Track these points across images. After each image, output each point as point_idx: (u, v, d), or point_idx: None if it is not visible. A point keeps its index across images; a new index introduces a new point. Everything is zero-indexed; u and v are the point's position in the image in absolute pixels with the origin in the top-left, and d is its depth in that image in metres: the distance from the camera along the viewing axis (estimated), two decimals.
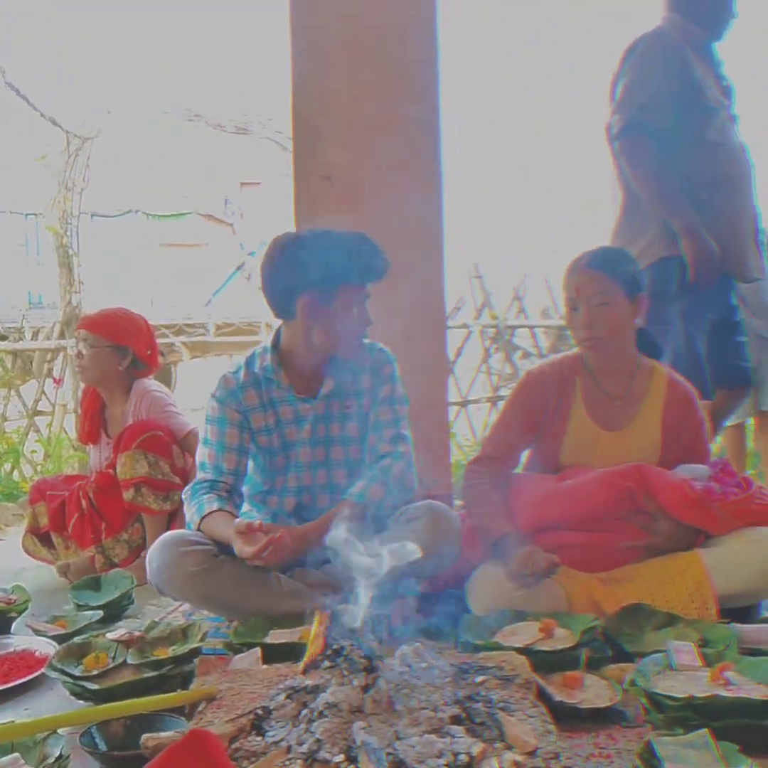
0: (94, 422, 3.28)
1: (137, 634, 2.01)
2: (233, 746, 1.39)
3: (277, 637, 2.04)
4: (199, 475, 2.39)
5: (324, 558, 2.26)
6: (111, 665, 1.89)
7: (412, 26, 3.01)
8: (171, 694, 1.71)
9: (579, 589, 2.14)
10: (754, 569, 2.08)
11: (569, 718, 1.60)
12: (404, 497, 2.34)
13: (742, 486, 2.22)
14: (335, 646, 1.51)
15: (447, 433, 3.28)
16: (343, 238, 2.28)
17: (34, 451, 5.83)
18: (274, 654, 1.91)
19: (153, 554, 2.25)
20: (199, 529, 2.28)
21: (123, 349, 3.16)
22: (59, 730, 1.54)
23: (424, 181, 3.00)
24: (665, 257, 2.88)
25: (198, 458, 2.43)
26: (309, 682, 1.52)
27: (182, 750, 1.08)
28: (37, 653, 2.16)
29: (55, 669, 1.86)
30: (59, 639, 2.20)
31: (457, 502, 2.63)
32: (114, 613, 2.51)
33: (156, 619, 2.24)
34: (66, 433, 5.91)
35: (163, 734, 1.47)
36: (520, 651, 1.77)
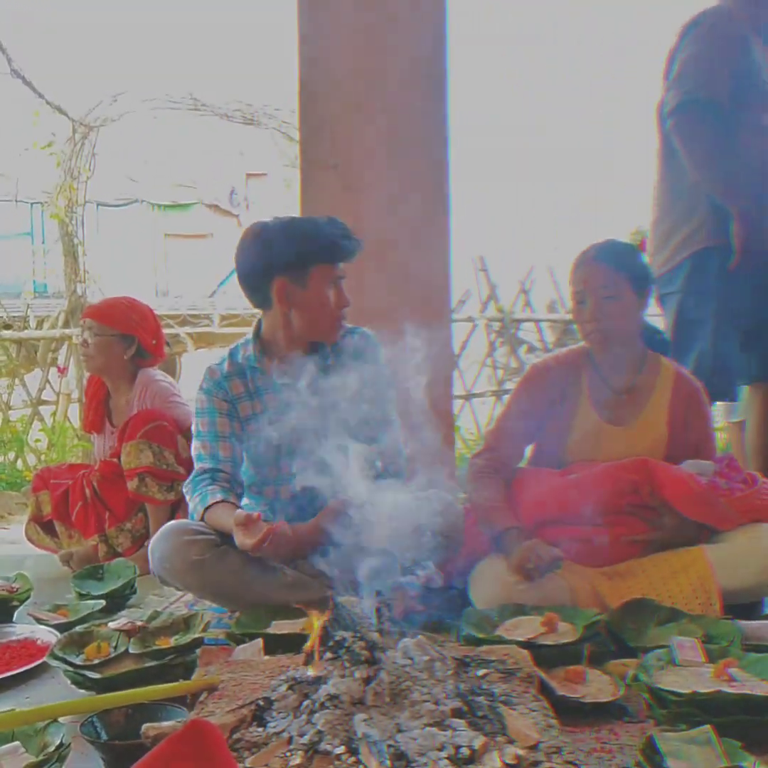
0: (98, 411, 3.27)
1: (139, 623, 2.01)
2: (234, 737, 1.39)
3: (279, 627, 2.04)
4: (198, 466, 2.40)
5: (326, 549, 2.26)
6: (112, 655, 1.89)
7: (421, 16, 3.00)
8: (172, 684, 1.70)
9: (582, 583, 2.13)
10: (759, 565, 2.07)
11: (571, 713, 1.60)
12: (397, 481, 2.33)
13: (747, 482, 2.21)
14: (337, 638, 1.51)
15: (452, 427, 3.27)
16: (310, 221, 2.32)
17: (38, 440, 5.84)
18: (276, 645, 1.91)
19: (156, 543, 2.25)
20: (202, 520, 2.28)
21: (128, 338, 3.16)
22: (60, 719, 1.54)
23: (431, 172, 2.99)
24: (709, 247, 2.78)
25: (193, 451, 2.44)
26: (311, 673, 1.51)
27: (182, 740, 1.07)
28: (38, 642, 2.16)
29: (57, 658, 1.86)
30: (61, 628, 2.19)
31: (461, 496, 2.62)
32: (116, 602, 2.51)
33: (158, 609, 2.24)
34: (70, 422, 5.92)
35: (164, 724, 1.46)
36: (523, 645, 1.77)
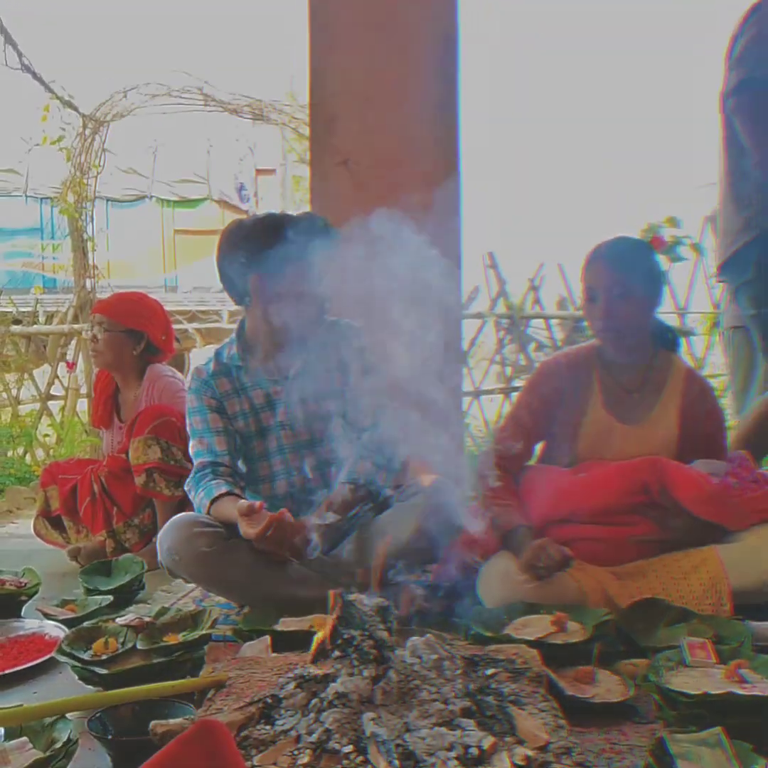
0: (107, 406, 3.28)
1: (147, 619, 2.00)
2: (242, 734, 1.38)
3: (287, 624, 2.03)
4: (197, 462, 2.40)
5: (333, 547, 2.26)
6: (120, 650, 1.89)
7: (432, 11, 2.98)
8: (180, 680, 1.70)
9: (592, 582, 2.12)
10: None
11: (580, 713, 1.59)
12: (393, 468, 2.33)
13: (759, 481, 2.19)
14: (346, 636, 1.50)
15: (461, 424, 3.26)
16: (283, 217, 2.34)
17: (46, 435, 5.86)
18: (284, 642, 1.91)
19: (164, 535, 2.26)
20: (208, 514, 2.28)
21: (138, 333, 3.16)
22: (68, 715, 1.54)
23: (441, 167, 2.97)
24: None
25: (191, 449, 2.45)
26: (319, 671, 1.50)
27: (191, 741, 1.07)
28: (46, 637, 2.16)
29: (65, 653, 1.86)
30: (69, 623, 2.20)
31: (470, 494, 2.60)
32: (124, 598, 2.51)
33: (166, 605, 2.24)
34: (78, 417, 5.93)
35: (171, 721, 1.46)
36: (532, 644, 1.76)
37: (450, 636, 1.84)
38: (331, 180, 3.00)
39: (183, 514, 2.38)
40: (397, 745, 1.29)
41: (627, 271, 2.28)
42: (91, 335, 3.21)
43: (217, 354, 2.49)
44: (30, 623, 2.27)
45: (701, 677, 1.61)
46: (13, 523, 4.30)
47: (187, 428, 2.47)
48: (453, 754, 1.27)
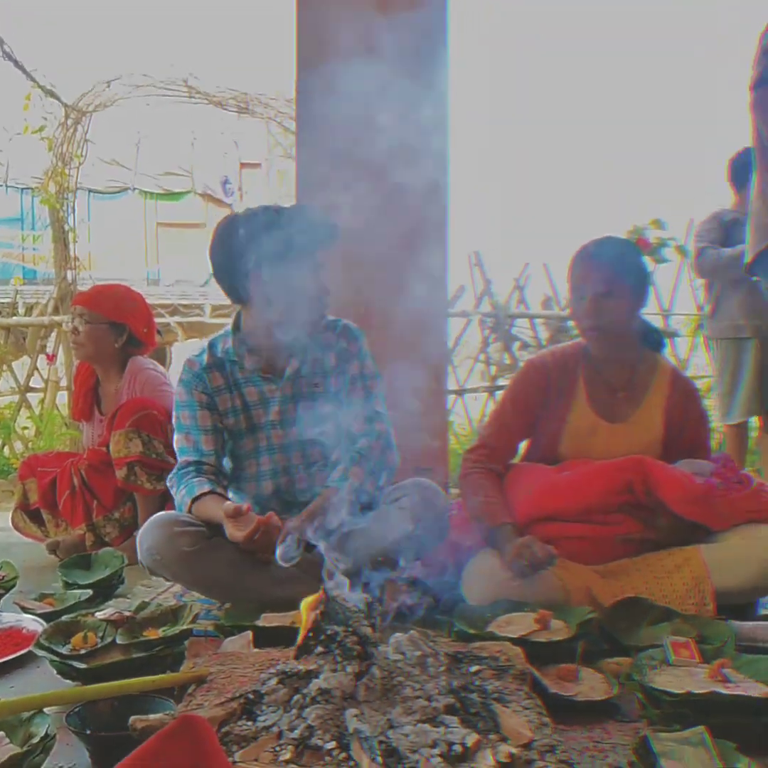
0: (87, 399, 3.24)
1: (127, 614, 1.98)
2: (223, 730, 1.37)
3: (269, 620, 2.02)
4: (181, 459, 2.37)
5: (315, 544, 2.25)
6: (99, 645, 1.86)
7: (421, 5, 2.97)
8: (160, 675, 1.68)
9: (576, 581, 2.12)
10: (754, 567, 2.06)
11: (564, 711, 1.58)
12: (388, 476, 2.31)
13: (743, 482, 2.20)
14: (329, 632, 1.49)
15: (445, 422, 3.25)
16: (282, 210, 2.27)
17: (25, 428, 5.80)
18: (265, 637, 1.89)
19: (144, 534, 2.22)
20: (189, 512, 2.26)
21: (119, 326, 3.13)
22: (45, 710, 1.52)
23: (430, 165, 2.96)
24: None
25: (175, 444, 2.41)
26: (301, 667, 1.49)
27: (172, 736, 1.05)
28: (24, 631, 2.14)
29: (43, 647, 1.84)
30: (47, 617, 2.17)
31: (454, 491, 2.60)
32: (104, 592, 2.49)
33: (146, 600, 2.22)
34: (58, 409, 5.87)
35: (151, 716, 1.44)
36: (516, 641, 1.75)
37: (434, 633, 1.83)
38: (317, 176, 2.98)
39: (163, 513, 2.35)
40: (381, 742, 1.28)
41: (613, 271, 2.28)
42: (71, 327, 3.17)
43: (211, 346, 2.41)
44: (7, 617, 2.24)
45: (684, 676, 1.61)
46: None
47: (174, 421, 2.42)
48: (436, 751, 1.26)
